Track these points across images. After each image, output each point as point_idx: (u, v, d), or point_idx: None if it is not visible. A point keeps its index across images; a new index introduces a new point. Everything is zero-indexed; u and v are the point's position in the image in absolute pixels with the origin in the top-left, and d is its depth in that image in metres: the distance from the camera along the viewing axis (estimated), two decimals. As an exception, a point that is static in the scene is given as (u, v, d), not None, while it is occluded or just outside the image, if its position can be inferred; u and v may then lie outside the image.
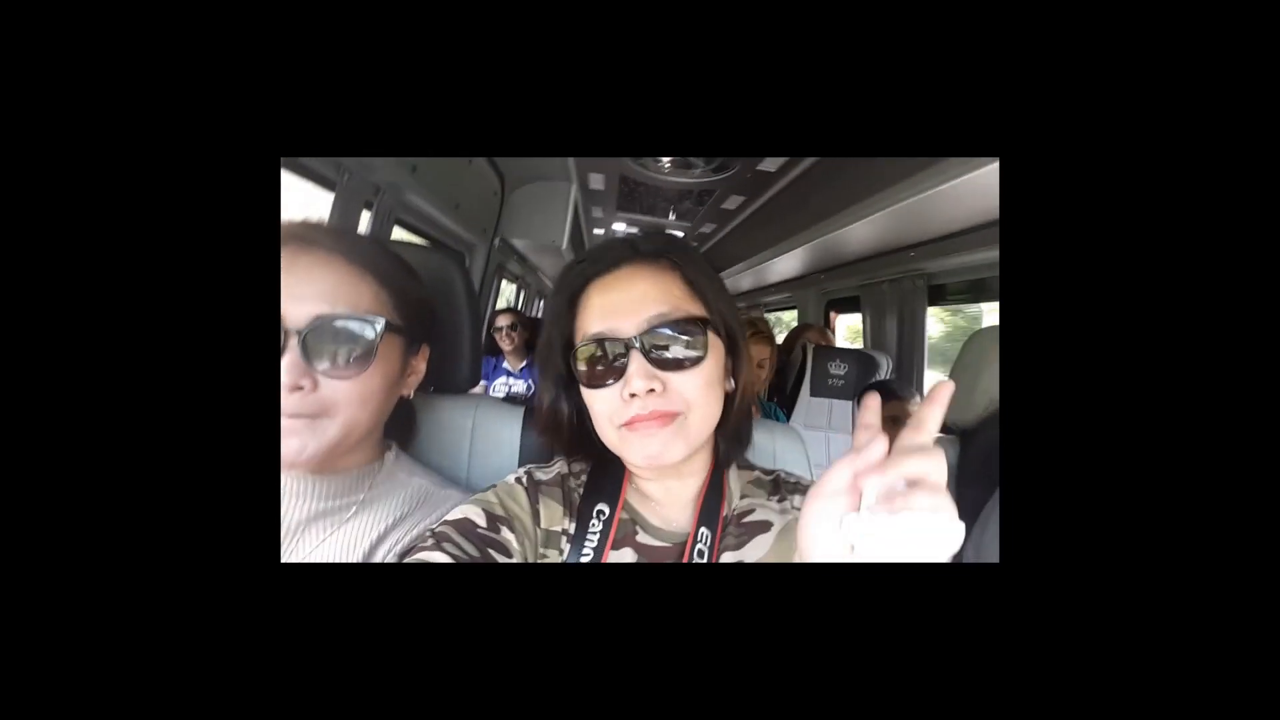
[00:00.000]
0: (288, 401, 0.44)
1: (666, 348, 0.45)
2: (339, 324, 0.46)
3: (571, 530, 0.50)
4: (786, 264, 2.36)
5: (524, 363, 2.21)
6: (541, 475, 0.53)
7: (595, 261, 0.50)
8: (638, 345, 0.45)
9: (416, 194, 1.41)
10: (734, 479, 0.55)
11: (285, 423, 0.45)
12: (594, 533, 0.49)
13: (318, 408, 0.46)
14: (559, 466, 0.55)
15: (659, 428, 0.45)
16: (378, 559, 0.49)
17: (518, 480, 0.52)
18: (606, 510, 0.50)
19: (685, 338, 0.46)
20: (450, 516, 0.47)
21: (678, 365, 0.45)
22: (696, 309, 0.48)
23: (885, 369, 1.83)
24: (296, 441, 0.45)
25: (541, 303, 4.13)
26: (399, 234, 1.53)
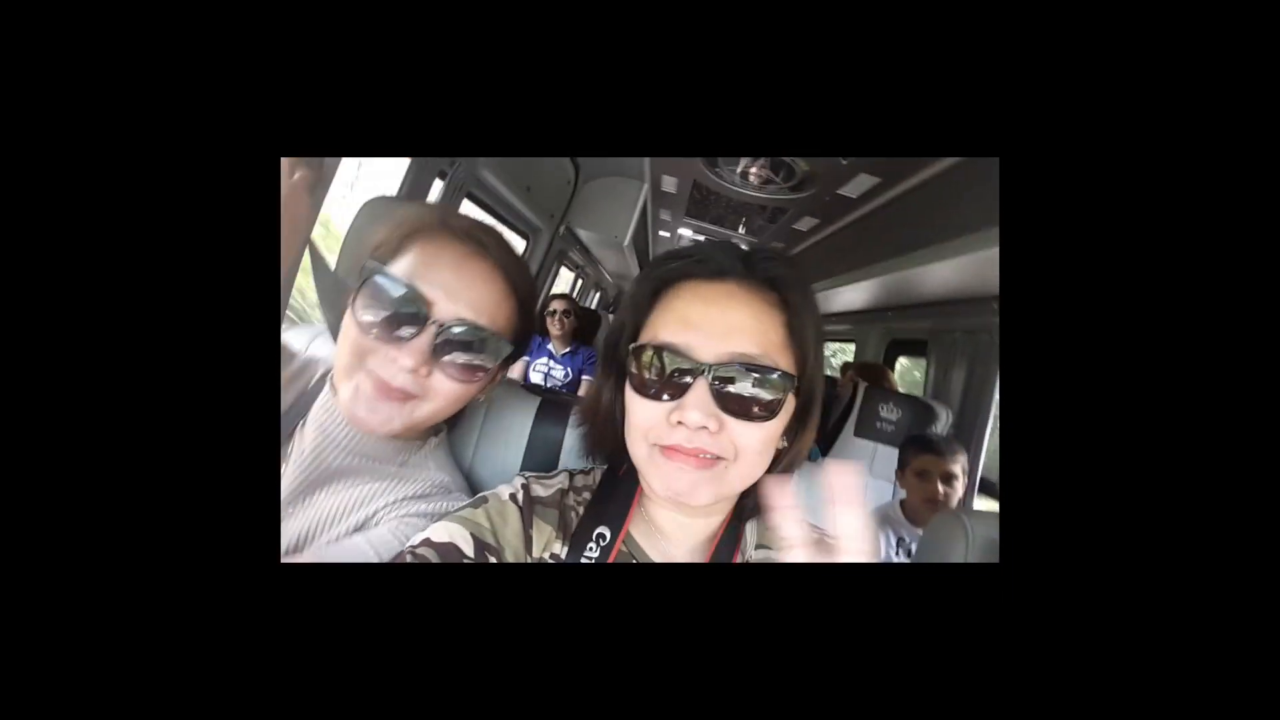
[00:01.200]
0: (401, 378, 0.47)
1: (738, 392, 0.40)
2: (478, 335, 0.49)
3: (563, 555, 0.45)
4: (852, 295, 2.25)
5: (568, 349, 2.23)
6: (540, 490, 0.49)
7: (700, 261, 0.44)
8: (707, 376, 0.40)
9: (491, 172, 1.46)
10: (752, 526, 0.50)
11: (383, 393, 0.47)
12: (588, 558, 0.45)
13: (420, 391, 0.49)
14: (560, 480, 0.51)
15: (695, 467, 0.41)
16: (369, 527, 0.50)
17: (512, 496, 0.48)
18: (607, 535, 0.46)
19: (763, 391, 0.40)
20: (435, 537, 0.43)
21: (743, 413, 0.40)
22: (788, 363, 0.42)
23: (944, 423, 1.69)
24: (388, 412, 0.48)
25: (596, 295, 4.18)
26: (466, 208, 1.58)
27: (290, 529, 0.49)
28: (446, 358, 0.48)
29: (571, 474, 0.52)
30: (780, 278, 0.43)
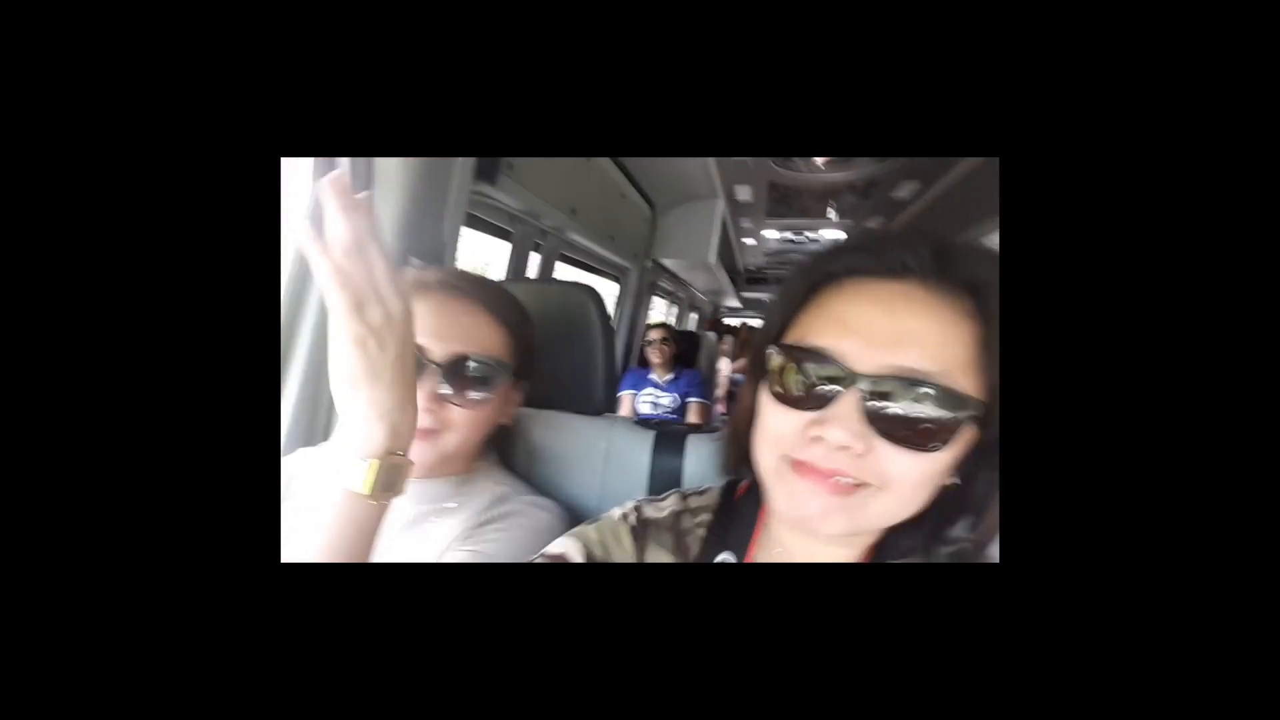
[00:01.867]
0: (421, 418, 0.52)
1: (899, 412, 0.33)
2: (473, 364, 0.56)
3: None
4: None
5: (671, 375, 2.27)
6: (652, 512, 0.47)
7: (872, 253, 0.36)
8: (861, 388, 0.33)
9: (577, 232, 1.59)
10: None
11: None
12: None
13: (440, 425, 0.56)
14: (672, 503, 0.48)
15: (830, 493, 0.34)
16: (449, 558, 0.54)
17: (624, 517, 0.46)
18: (732, 561, 0.43)
19: (933, 416, 0.33)
20: (550, 550, 0.44)
21: (901, 439, 0.33)
22: (972, 386, 0.33)
23: None
24: (420, 450, 0.54)
25: (693, 316, 4.20)
26: (561, 269, 1.74)
27: None
28: (453, 391, 0.54)
29: (684, 495, 0.49)
30: (984, 282, 0.34)
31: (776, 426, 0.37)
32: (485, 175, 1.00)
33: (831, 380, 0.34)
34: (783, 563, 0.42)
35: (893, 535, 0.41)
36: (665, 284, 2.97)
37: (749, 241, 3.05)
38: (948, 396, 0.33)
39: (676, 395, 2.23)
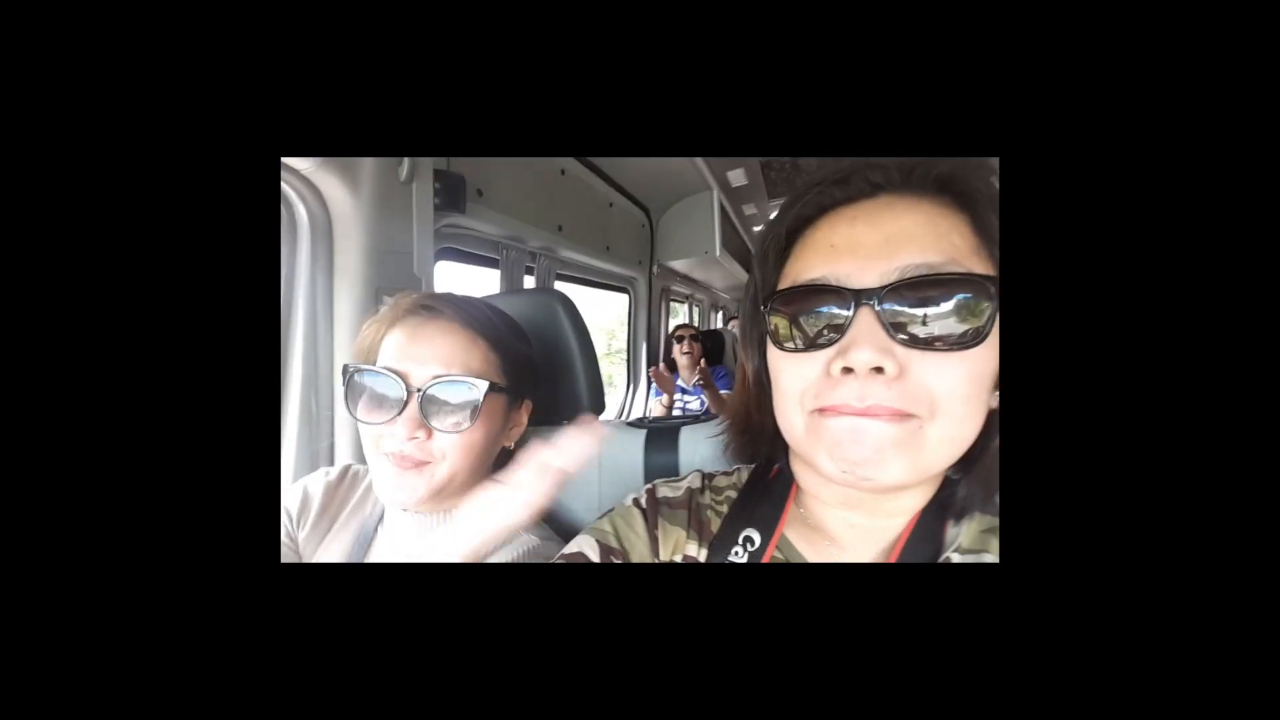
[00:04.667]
0: (405, 447, 0.52)
1: (920, 315, 0.30)
2: (451, 384, 0.53)
3: (700, 558, 0.39)
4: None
5: (696, 378, 2.18)
6: (667, 491, 0.44)
7: (838, 184, 0.35)
8: (872, 302, 0.31)
9: (569, 248, 1.57)
10: (956, 529, 0.36)
11: (402, 466, 0.52)
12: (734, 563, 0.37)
13: (429, 455, 0.52)
14: (690, 480, 0.45)
15: (879, 425, 0.30)
16: None
17: (635, 501, 0.44)
18: (756, 539, 0.38)
19: (952, 307, 0.30)
20: (567, 550, 0.43)
21: (933, 343, 0.30)
22: (982, 266, 0.31)
23: None
24: (413, 482, 0.52)
25: (718, 314, 4.09)
26: (561, 286, 1.72)
27: None
28: (435, 417, 0.51)
29: (707, 475, 0.45)
30: (951, 175, 0.33)
31: (798, 378, 0.34)
32: (451, 205, 0.99)
33: (838, 311, 0.32)
34: (783, 563, 0.39)
35: (945, 490, 0.36)
36: (681, 288, 2.91)
37: (760, 228, 2.95)
38: (963, 282, 0.31)
39: (703, 398, 2.14)
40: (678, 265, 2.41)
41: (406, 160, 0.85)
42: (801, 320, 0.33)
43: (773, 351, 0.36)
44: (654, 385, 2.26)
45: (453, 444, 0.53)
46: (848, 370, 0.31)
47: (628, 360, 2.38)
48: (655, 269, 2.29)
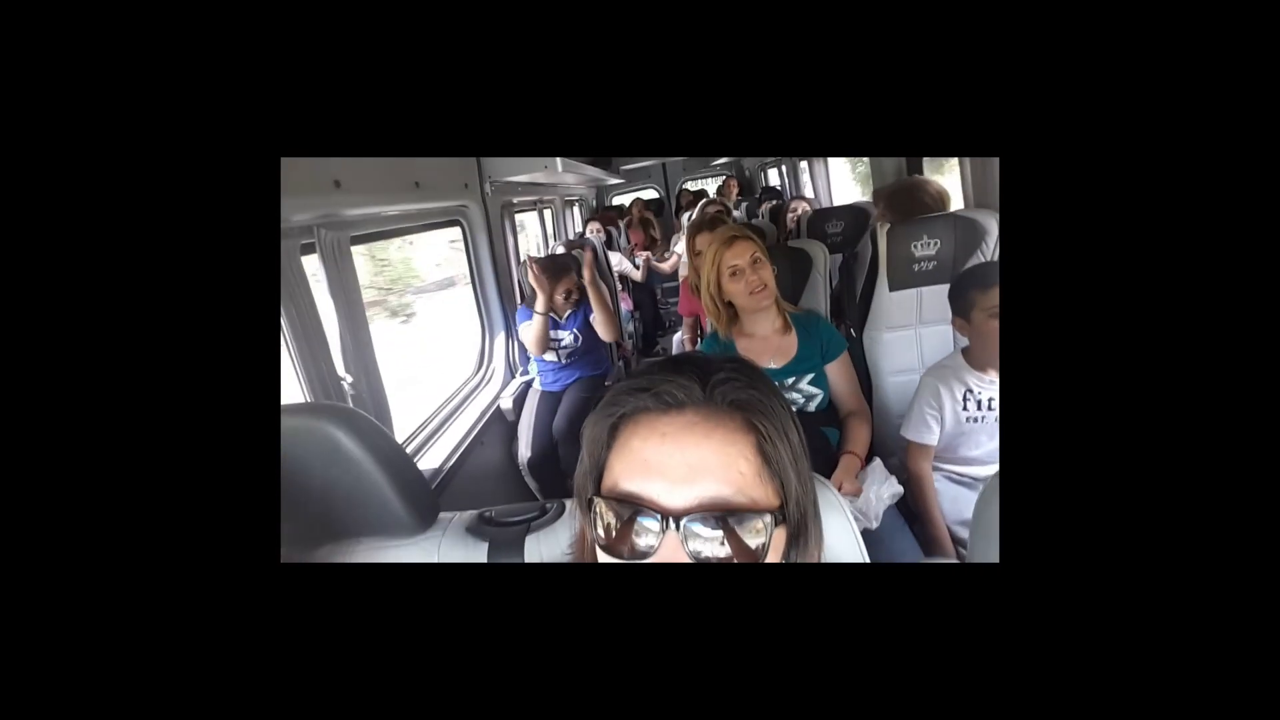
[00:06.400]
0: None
1: (714, 538, 0.36)
2: None
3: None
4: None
5: (569, 311, 2.04)
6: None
7: (648, 393, 0.40)
8: (676, 529, 0.36)
9: (355, 206, 1.22)
10: None
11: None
12: None
13: None
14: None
15: None
16: None
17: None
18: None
19: (742, 537, 0.37)
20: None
21: (722, 560, 0.37)
22: (767, 494, 0.38)
23: (993, 236, 1.33)
24: None
25: (574, 209, 3.74)
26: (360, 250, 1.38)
27: None
28: None
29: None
30: (742, 401, 0.39)
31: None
32: None
33: (647, 529, 0.37)
34: (783, 563, 0.42)
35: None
36: (526, 196, 2.55)
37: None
38: (747, 515, 0.36)
39: (575, 332, 2.05)
40: (519, 180, 2.07)
41: None
42: (619, 526, 0.38)
43: (597, 545, 0.40)
44: (517, 315, 2.07)
45: None
46: None
47: (476, 300, 2.12)
48: (489, 188, 1.94)
